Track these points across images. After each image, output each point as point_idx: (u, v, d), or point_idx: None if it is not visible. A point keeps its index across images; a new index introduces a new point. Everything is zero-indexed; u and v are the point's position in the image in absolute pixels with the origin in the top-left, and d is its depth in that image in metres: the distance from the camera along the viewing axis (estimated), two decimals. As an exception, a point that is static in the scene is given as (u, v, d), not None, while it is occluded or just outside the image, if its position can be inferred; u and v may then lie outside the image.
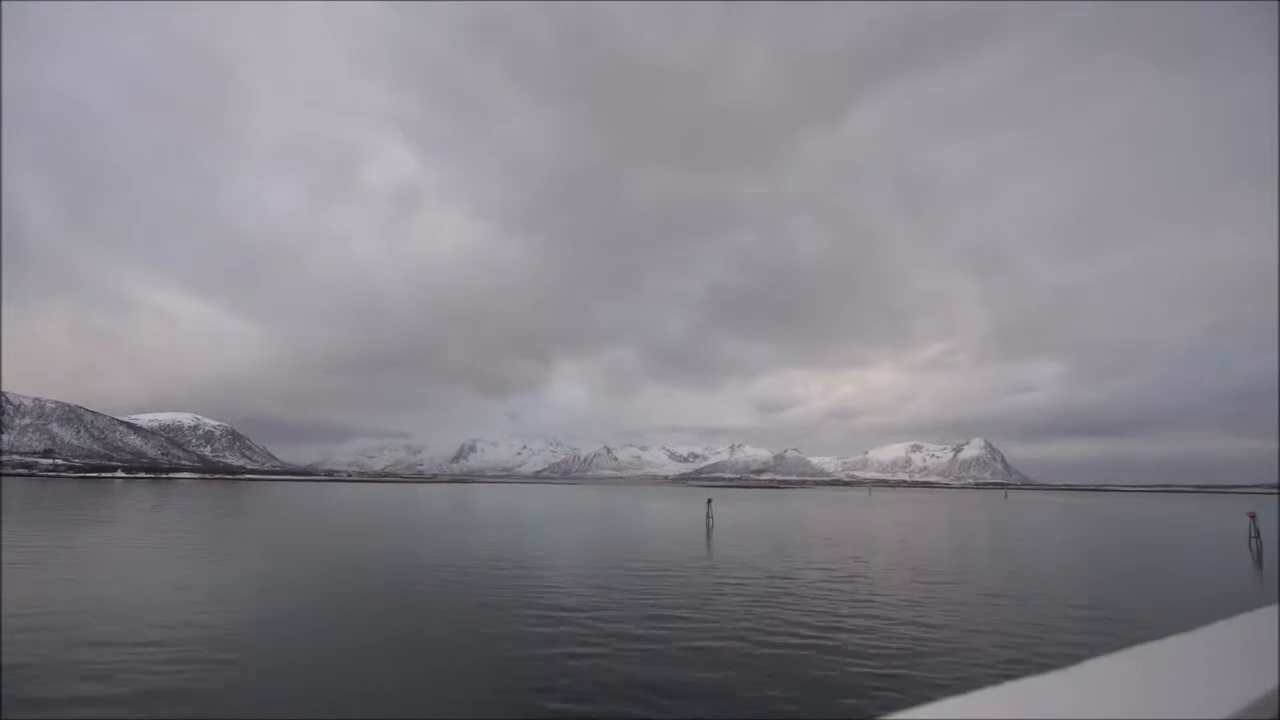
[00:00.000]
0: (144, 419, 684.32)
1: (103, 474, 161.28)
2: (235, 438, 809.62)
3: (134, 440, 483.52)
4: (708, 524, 41.55)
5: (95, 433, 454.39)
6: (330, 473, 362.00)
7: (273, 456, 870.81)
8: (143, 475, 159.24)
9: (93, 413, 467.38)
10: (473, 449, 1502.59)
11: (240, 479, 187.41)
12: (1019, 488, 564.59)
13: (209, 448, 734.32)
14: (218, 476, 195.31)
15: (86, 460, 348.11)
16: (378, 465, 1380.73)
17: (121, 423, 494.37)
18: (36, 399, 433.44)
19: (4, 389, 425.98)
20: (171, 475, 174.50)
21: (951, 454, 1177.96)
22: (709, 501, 43.82)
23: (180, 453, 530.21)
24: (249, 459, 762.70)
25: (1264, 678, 1.32)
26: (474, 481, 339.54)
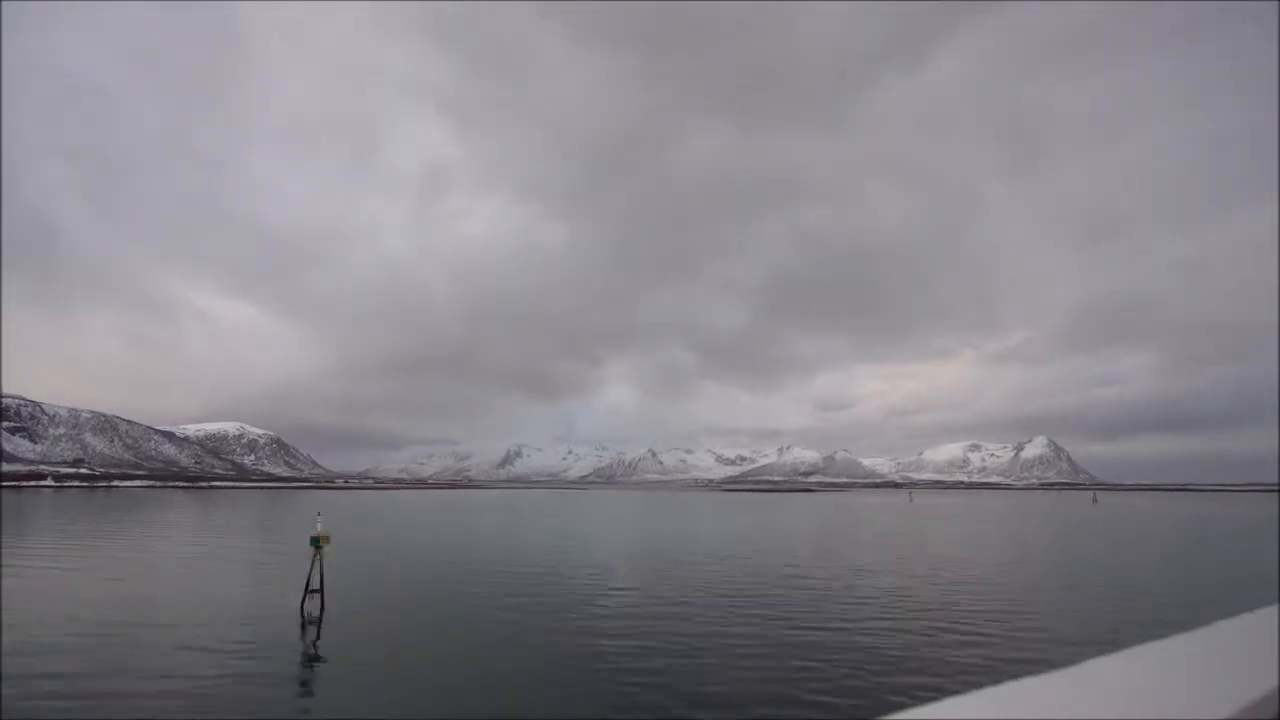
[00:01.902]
0: (192, 429, 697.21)
1: (23, 483, 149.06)
2: (280, 446, 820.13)
3: (169, 449, 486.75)
4: (303, 613, 18.12)
5: (129, 442, 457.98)
6: (330, 480, 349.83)
7: (317, 464, 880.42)
8: (74, 485, 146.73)
9: (128, 422, 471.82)
10: (519, 454, 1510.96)
11: (203, 487, 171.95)
12: (1088, 488, 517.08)
13: (252, 456, 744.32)
14: (177, 485, 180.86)
15: (114, 470, 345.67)
16: (426, 472, 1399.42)
17: (158, 432, 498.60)
18: (72, 409, 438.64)
19: (42, 400, 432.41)
20: (114, 484, 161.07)
21: (1013, 453, 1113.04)
22: (316, 552, 18.40)
23: (216, 461, 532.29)
24: (292, 467, 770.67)
25: (1264, 678, 1.31)
26: (489, 488, 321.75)
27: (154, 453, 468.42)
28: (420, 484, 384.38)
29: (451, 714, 10.89)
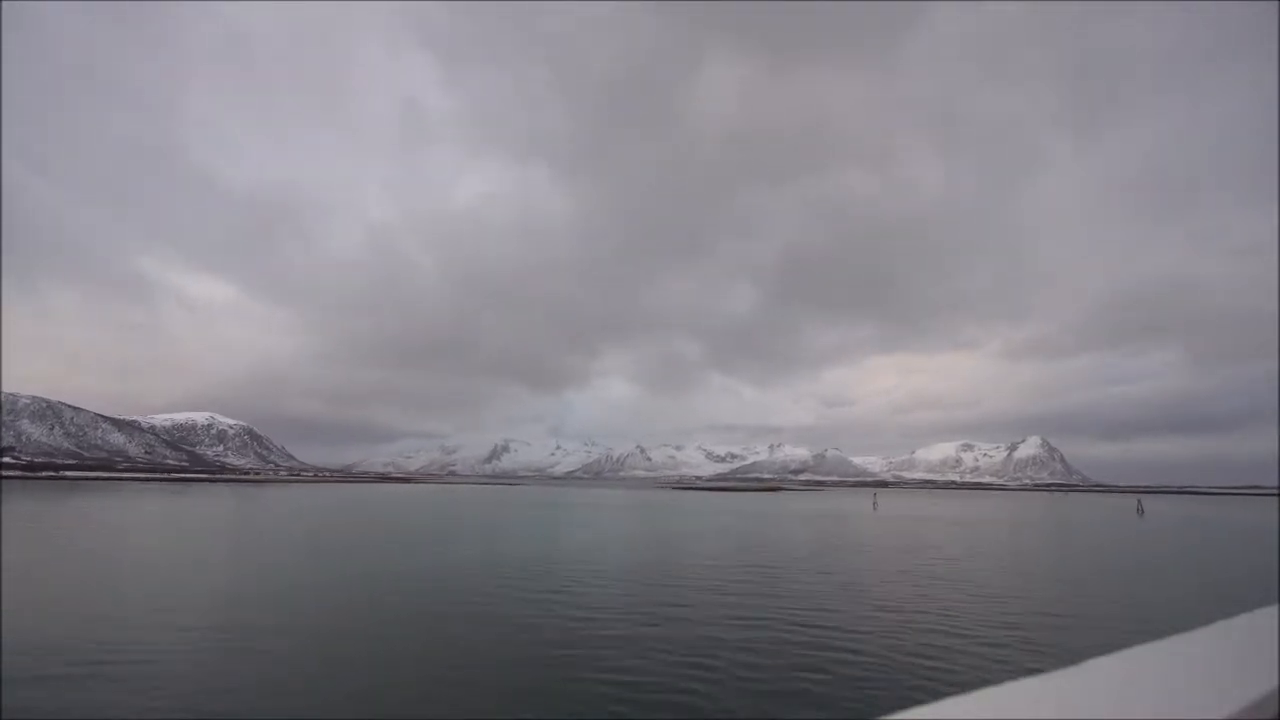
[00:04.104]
0: (159, 418, 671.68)
1: None
2: (252, 437, 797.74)
3: (117, 439, 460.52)
4: None
5: (73, 430, 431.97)
6: (248, 472, 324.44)
7: (291, 457, 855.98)
8: None
9: (74, 409, 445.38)
10: (506, 450, 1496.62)
11: (44, 478, 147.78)
12: (1086, 489, 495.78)
13: (221, 447, 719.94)
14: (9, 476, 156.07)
15: (40, 459, 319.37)
16: (413, 466, 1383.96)
17: (108, 420, 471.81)
18: (11, 394, 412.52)
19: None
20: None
21: (1006, 453, 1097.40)
22: None
23: (170, 452, 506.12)
24: (263, 459, 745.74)
25: (1264, 678, 1.30)
26: (459, 484, 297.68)
27: (99, 442, 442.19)
28: (384, 478, 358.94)
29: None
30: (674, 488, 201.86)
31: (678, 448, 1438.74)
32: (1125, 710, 1.17)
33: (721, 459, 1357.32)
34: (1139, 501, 71.42)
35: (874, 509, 68.27)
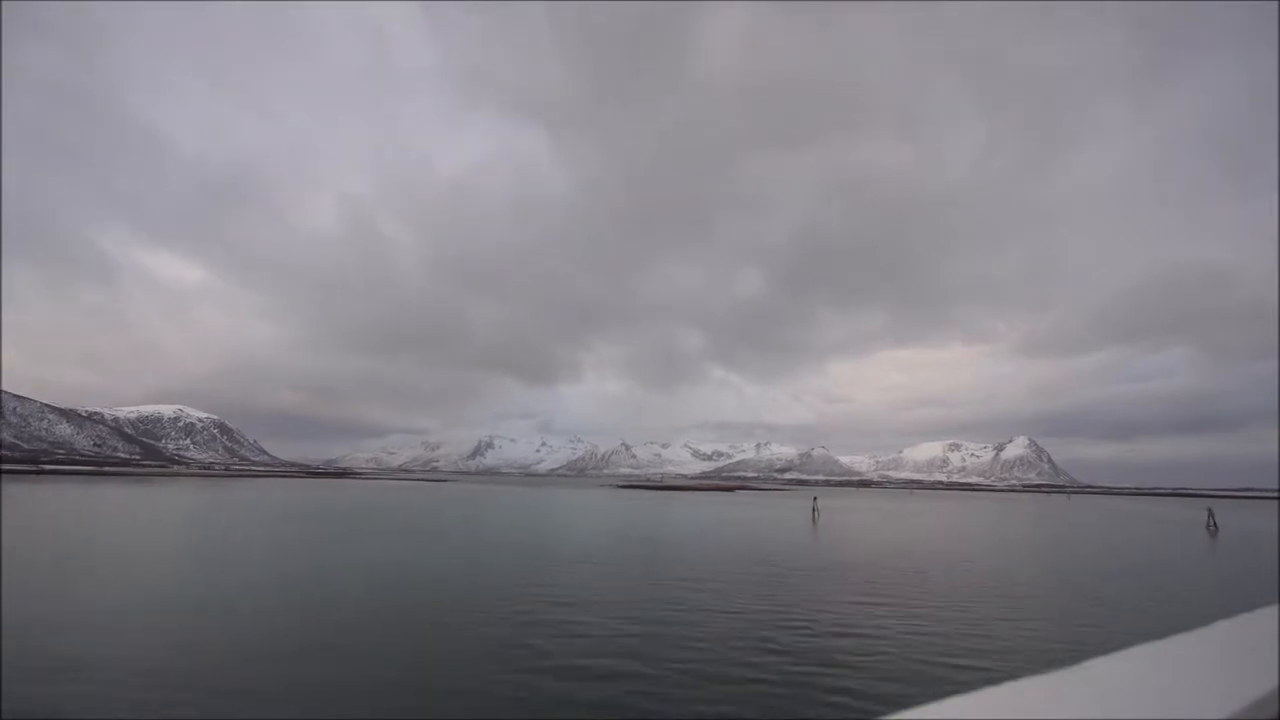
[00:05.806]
0: (124, 410, 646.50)
1: None
2: (222, 430, 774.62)
3: (65, 430, 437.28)
4: None
5: (15, 421, 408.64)
6: (219, 466, 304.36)
7: (263, 451, 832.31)
8: None
9: (17, 398, 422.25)
10: (490, 446, 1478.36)
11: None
12: (1073, 490, 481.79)
13: (186, 441, 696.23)
14: None
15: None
16: (396, 462, 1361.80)
17: (54, 410, 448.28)
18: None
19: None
20: None
21: (993, 453, 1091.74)
22: None
23: (123, 445, 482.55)
24: (233, 454, 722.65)
25: (1264, 678, 1.30)
26: (418, 480, 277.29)
27: (45, 434, 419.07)
28: (343, 473, 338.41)
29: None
30: (620, 486, 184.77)
31: (664, 445, 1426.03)
32: (1125, 710, 1.16)
33: (708, 457, 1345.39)
34: (1209, 514, 51.16)
35: (814, 522, 49.14)
